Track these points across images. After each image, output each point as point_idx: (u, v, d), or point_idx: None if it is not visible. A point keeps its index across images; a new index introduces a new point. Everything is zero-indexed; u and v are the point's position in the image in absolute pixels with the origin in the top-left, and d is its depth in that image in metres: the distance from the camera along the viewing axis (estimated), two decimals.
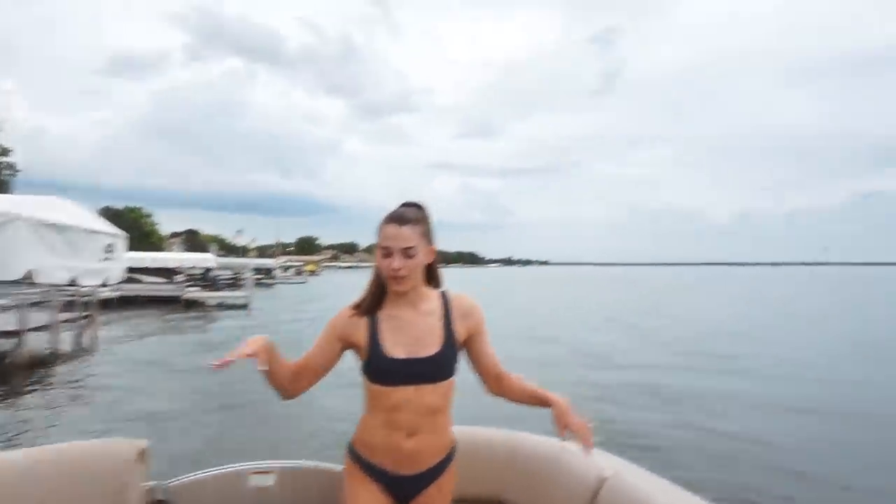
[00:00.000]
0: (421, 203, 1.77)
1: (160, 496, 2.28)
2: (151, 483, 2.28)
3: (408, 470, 1.73)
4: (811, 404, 9.76)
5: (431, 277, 1.82)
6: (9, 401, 9.61)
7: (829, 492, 6.05)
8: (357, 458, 1.80)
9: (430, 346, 1.70)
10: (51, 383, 11.00)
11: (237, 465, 2.41)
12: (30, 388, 10.53)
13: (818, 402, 9.99)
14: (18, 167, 45.65)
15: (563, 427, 1.66)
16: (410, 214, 1.68)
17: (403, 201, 1.79)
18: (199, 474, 2.37)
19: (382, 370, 1.69)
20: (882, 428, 8.48)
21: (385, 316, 1.76)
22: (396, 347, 1.70)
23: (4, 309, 12.14)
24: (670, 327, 21.85)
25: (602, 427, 7.73)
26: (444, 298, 1.80)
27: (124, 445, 2.17)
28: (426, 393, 1.68)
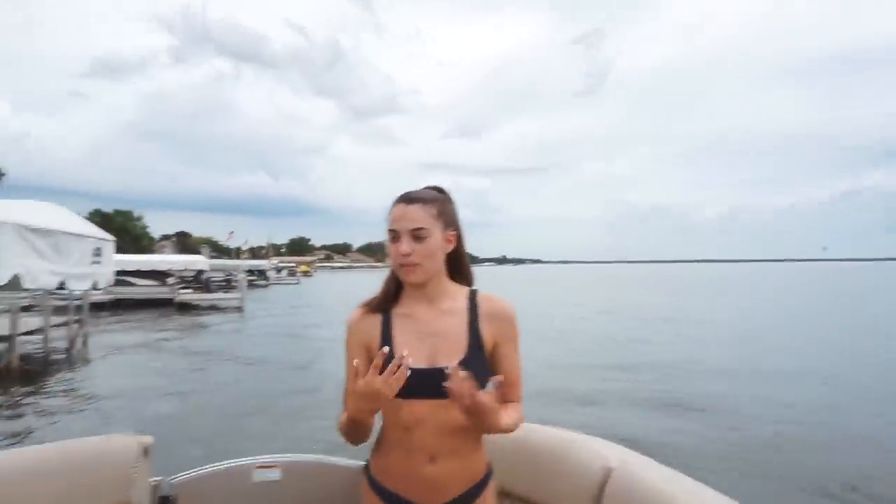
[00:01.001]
0: (441, 187, 1.55)
1: (165, 491, 2.31)
2: (156, 479, 2.30)
3: (429, 499, 1.45)
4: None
5: (459, 272, 1.57)
6: (3, 404, 9.58)
7: None
8: (372, 482, 1.55)
9: (453, 352, 1.43)
10: (44, 386, 10.92)
11: (242, 460, 2.42)
12: (24, 391, 10.46)
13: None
14: (2, 171, 45.48)
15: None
16: (423, 193, 1.47)
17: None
18: (204, 470, 2.39)
19: None
20: None
21: (399, 314, 1.52)
22: (413, 353, 1.40)
23: None
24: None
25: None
26: (472, 297, 1.53)
27: (129, 441, 2.20)
28: (450, 409, 1.36)
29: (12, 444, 7.70)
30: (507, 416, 1.41)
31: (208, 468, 2.45)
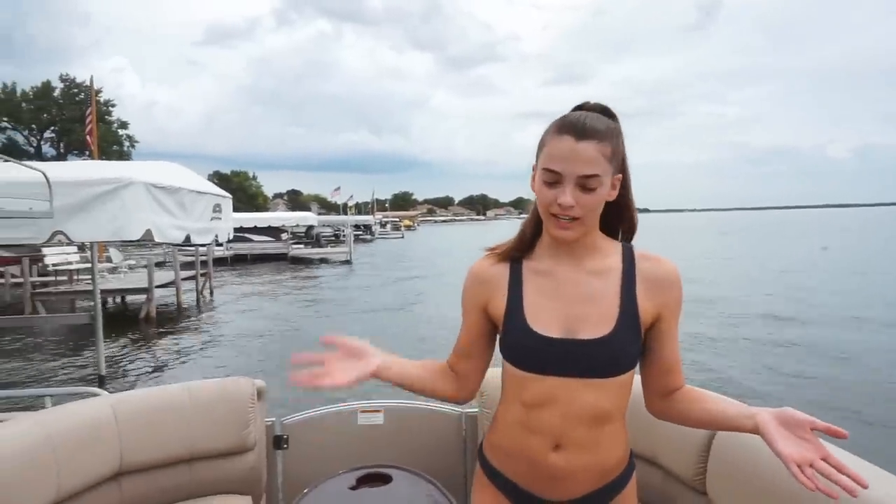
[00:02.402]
0: (609, 108, 1.17)
1: (278, 431, 2.51)
2: (270, 419, 2.51)
3: (551, 494, 1.21)
4: None
5: (615, 221, 1.25)
6: (144, 348, 10.84)
7: None
8: (485, 463, 1.31)
9: (600, 322, 1.14)
10: (176, 332, 12.20)
11: (347, 404, 2.58)
12: (160, 336, 11.76)
13: None
14: (136, 140, 49.62)
15: (804, 441, 0.99)
16: (596, 123, 1.09)
17: (579, 103, 1.18)
18: (313, 412, 2.58)
19: (521, 348, 1.18)
20: None
21: (533, 269, 1.23)
22: (546, 319, 1.17)
23: (134, 269, 13.54)
24: None
25: None
26: (628, 255, 1.21)
27: (245, 384, 2.41)
28: (587, 391, 1.14)
29: (150, 378, 8.76)
30: (721, 401, 1.19)
31: (316, 411, 2.61)
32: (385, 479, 1.65)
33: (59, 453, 1.96)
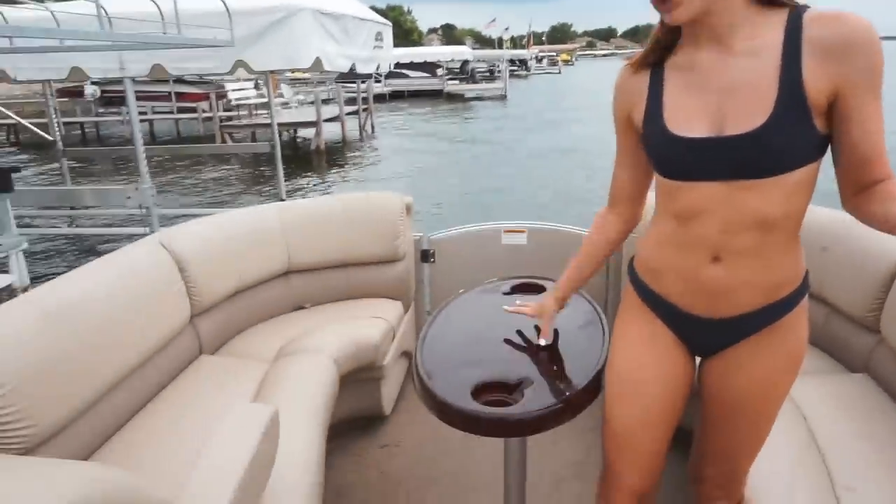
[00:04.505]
0: None
1: (425, 245, 2.69)
2: (419, 234, 2.69)
3: (708, 311, 1.13)
4: None
5: None
6: (315, 173, 12.26)
7: None
8: (636, 280, 1.26)
9: (752, 111, 0.97)
10: (342, 161, 13.51)
11: (492, 223, 2.68)
12: (328, 164, 13.06)
13: None
14: None
15: None
16: None
17: None
18: (459, 229, 2.72)
19: (662, 153, 1.09)
20: None
21: (674, 68, 1.10)
22: (689, 117, 1.04)
23: (302, 104, 14.51)
24: None
25: None
26: (794, 21, 0.98)
27: (394, 199, 2.57)
28: (746, 195, 1.01)
29: (323, 190, 10.19)
30: None
31: (462, 228, 2.74)
32: (538, 290, 1.71)
33: (237, 249, 2.31)
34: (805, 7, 0.99)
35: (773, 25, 0.99)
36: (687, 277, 1.12)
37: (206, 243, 2.22)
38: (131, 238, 2.75)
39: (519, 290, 1.75)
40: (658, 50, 1.12)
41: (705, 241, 1.07)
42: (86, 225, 7.13)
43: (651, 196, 1.25)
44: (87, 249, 6.63)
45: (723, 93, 1.01)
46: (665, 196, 1.13)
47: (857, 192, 1.01)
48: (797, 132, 0.96)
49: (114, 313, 1.75)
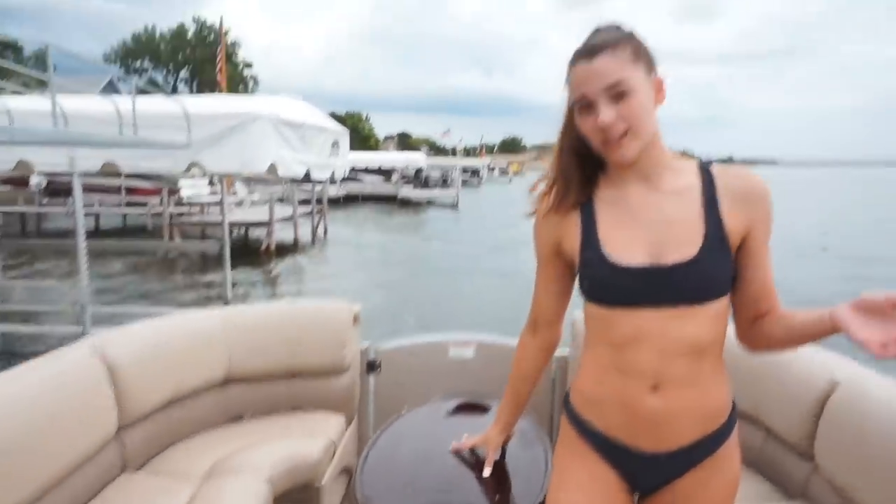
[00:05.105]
0: (619, 23, 1.11)
1: (371, 356, 2.62)
2: (365, 343, 2.63)
3: (651, 444, 1.12)
4: None
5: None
6: (262, 274, 12.15)
7: None
8: (573, 416, 1.22)
9: (685, 243, 1.06)
10: (292, 262, 13.45)
11: (439, 335, 2.64)
12: (277, 265, 12.99)
13: None
14: (258, 80, 52.04)
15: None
16: (607, 36, 1.06)
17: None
18: (406, 340, 2.67)
19: (604, 284, 1.11)
20: None
21: (604, 199, 1.16)
22: (626, 247, 1.10)
23: (256, 203, 14.56)
24: None
25: None
26: (705, 170, 1.14)
27: (342, 307, 2.52)
28: (682, 321, 1.06)
29: (268, 299, 9.84)
30: (805, 314, 1.10)
31: (409, 340, 2.69)
32: (483, 410, 1.69)
33: (175, 356, 2.21)
34: (709, 161, 1.16)
35: (689, 172, 1.14)
36: (626, 407, 1.11)
37: (142, 348, 2.11)
38: (62, 339, 2.59)
39: (463, 409, 1.71)
40: (582, 189, 1.18)
41: (643, 368, 1.08)
42: (16, 321, 6.74)
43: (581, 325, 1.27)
44: (12, 352, 6.24)
45: (656, 225, 1.10)
46: (599, 324, 1.15)
47: (751, 324, 1.17)
48: (722, 264, 1.08)
49: (33, 425, 1.62)
